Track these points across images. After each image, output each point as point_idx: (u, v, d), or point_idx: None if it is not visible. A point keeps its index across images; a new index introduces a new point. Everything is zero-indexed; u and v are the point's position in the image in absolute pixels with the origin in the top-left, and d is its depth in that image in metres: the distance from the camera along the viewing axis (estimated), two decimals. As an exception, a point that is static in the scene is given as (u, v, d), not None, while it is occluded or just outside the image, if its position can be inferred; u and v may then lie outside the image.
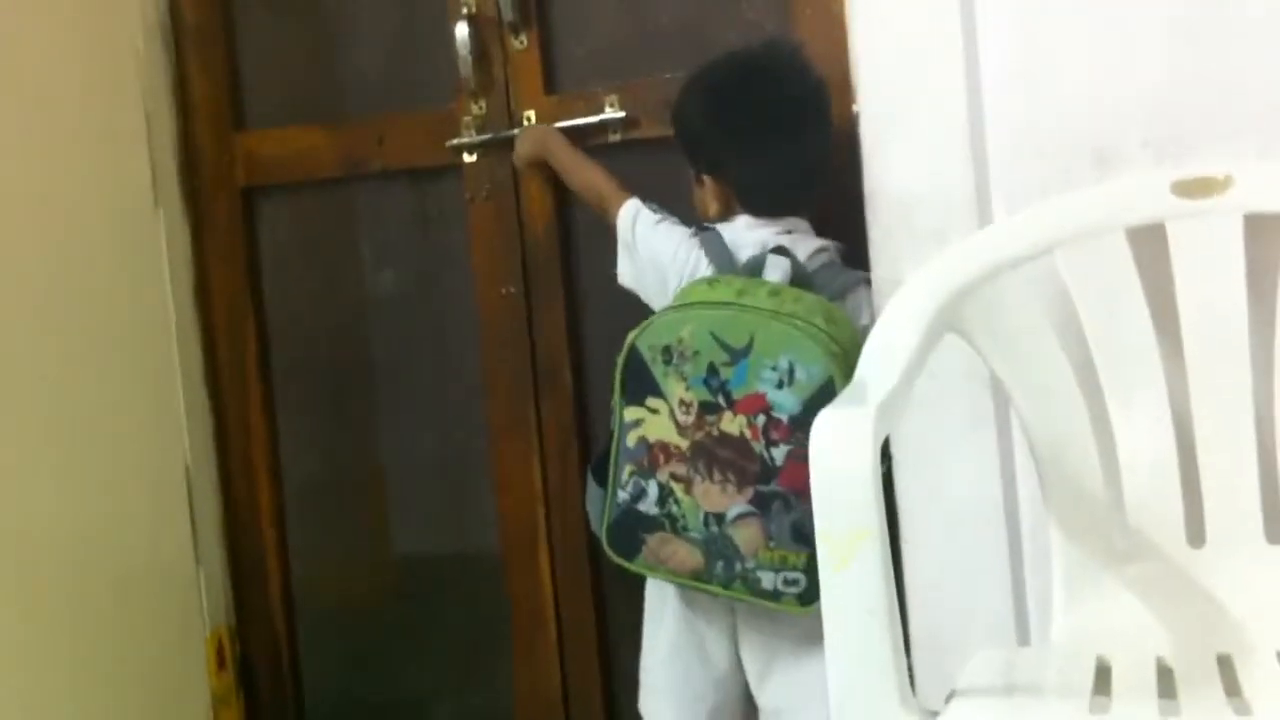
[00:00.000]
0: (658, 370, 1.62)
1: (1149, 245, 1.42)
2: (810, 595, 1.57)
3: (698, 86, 1.81)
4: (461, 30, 2.05)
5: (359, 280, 2.26)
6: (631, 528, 1.66)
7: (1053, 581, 1.42)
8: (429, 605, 2.27)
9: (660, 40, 2.04)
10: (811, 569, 1.55)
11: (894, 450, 1.57)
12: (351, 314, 2.28)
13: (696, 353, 1.60)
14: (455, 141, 2.09)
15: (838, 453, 1.17)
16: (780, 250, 1.70)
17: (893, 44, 1.64)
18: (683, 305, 1.65)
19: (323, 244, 2.27)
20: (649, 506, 1.64)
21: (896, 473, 1.58)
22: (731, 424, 1.59)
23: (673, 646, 1.77)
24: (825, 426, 1.19)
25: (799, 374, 1.56)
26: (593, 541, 2.07)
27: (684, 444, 1.61)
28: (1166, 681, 1.18)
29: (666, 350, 1.62)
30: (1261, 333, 1.37)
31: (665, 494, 1.63)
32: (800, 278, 1.68)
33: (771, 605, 1.62)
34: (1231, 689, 1.16)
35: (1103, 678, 1.20)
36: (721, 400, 1.59)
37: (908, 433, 1.59)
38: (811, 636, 1.63)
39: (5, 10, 1.91)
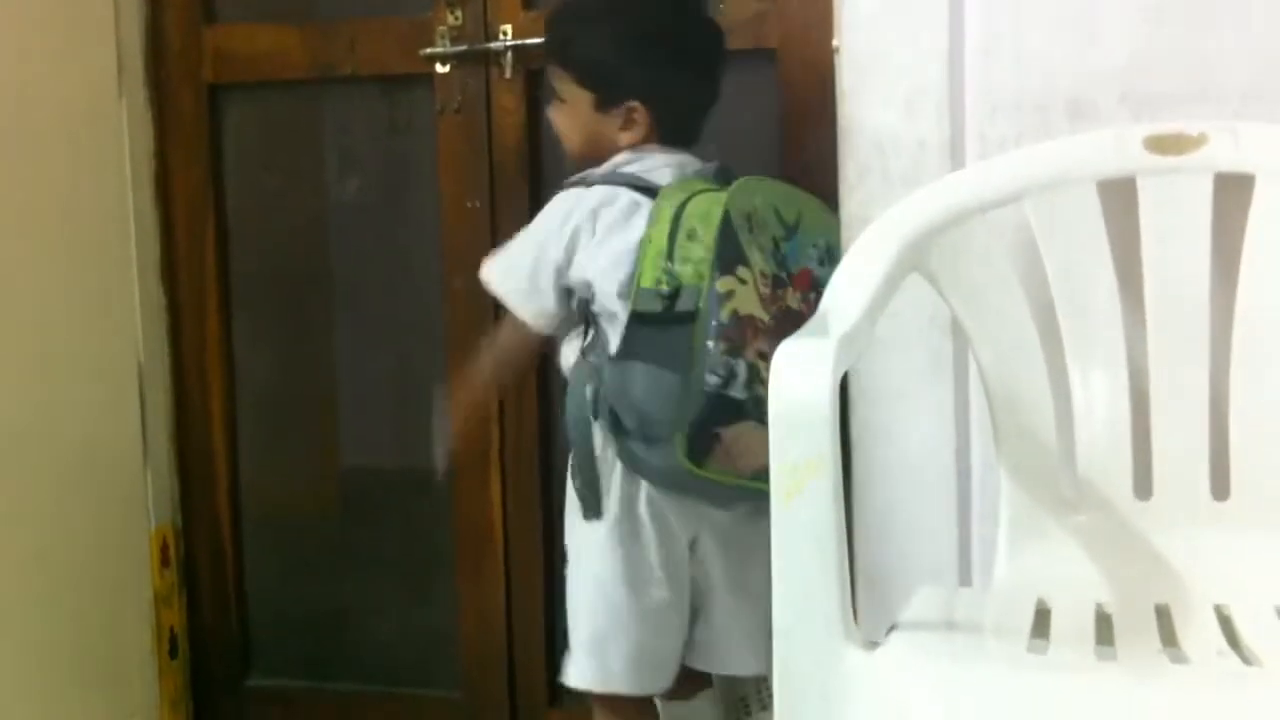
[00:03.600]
0: (744, 237, 1.54)
1: (1118, 199, 1.42)
2: None
3: (630, 9, 1.75)
4: (441, -63, 2.02)
5: (323, 185, 2.24)
6: (717, 419, 1.51)
7: (999, 525, 1.43)
8: (376, 517, 2.27)
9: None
10: None
11: (852, 387, 1.58)
12: (313, 219, 2.25)
13: (764, 224, 1.58)
14: (429, 51, 2.06)
15: (797, 381, 1.17)
16: (724, 172, 1.67)
17: (878, -20, 1.64)
18: (744, 180, 1.61)
19: (288, 146, 2.24)
20: (739, 390, 1.50)
21: (853, 409, 1.59)
22: (793, 299, 1.57)
23: (665, 602, 1.66)
24: (786, 355, 1.19)
25: (836, 254, 1.54)
26: (545, 462, 2.08)
27: (766, 317, 1.53)
28: (1104, 628, 1.20)
29: (748, 217, 1.56)
30: (1223, 293, 1.39)
31: (753, 375, 1.50)
32: None
33: None
34: (1168, 639, 1.18)
35: (1041, 621, 1.22)
36: (784, 274, 1.57)
37: (867, 371, 1.59)
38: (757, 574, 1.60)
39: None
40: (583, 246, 1.65)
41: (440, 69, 2.07)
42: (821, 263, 1.58)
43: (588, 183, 1.70)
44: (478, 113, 2.07)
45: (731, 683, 1.82)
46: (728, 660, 1.73)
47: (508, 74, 2.03)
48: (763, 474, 1.39)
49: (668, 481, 1.60)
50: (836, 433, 1.16)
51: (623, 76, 1.71)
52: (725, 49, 1.77)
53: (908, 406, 1.60)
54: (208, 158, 2.22)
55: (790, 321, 1.53)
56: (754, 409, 1.49)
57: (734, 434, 1.51)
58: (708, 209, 1.56)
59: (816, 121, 1.82)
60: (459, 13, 2.05)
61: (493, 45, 2.03)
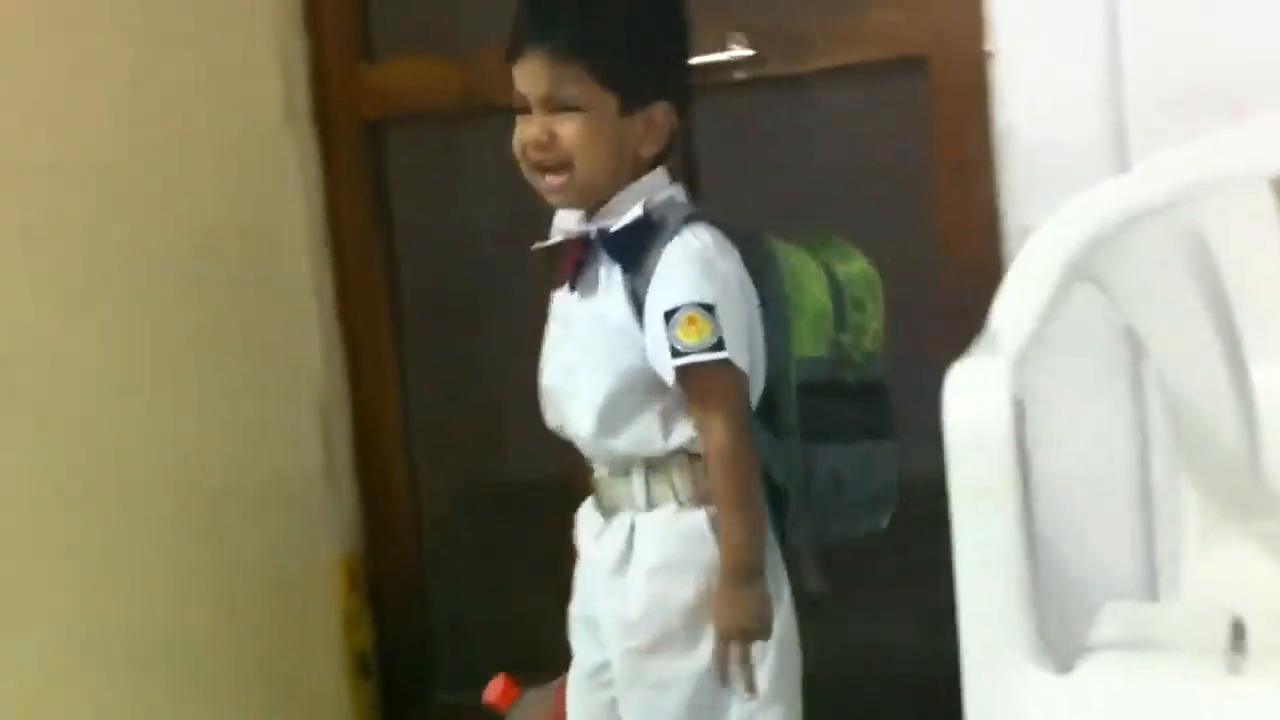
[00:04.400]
0: None
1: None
2: None
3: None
4: (588, -36, 2.04)
5: (483, 211, 2.28)
6: None
7: (1183, 534, 1.42)
8: (551, 528, 2.31)
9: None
10: None
11: (1024, 397, 1.57)
12: (475, 244, 2.31)
13: None
14: (581, 78, 2.09)
15: (972, 404, 1.18)
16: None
17: (1030, -16, 1.63)
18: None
19: (448, 175, 2.30)
20: None
21: (1027, 420, 1.58)
22: None
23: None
24: (959, 378, 1.20)
25: None
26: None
27: None
28: (1303, 642, 1.18)
29: None
30: None
31: None
32: None
33: None
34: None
35: (1237, 635, 1.20)
36: None
37: (1039, 378, 1.58)
38: None
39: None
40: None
41: (593, 95, 2.10)
42: None
43: (695, 219, 1.41)
44: (630, 136, 2.09)
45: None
46: None
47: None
48: None
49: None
50: (1016, 453, 1.16)
51: (650, 67, 1.43)
52: None
53: (1083, 413, 1.59)
54: (372, 189, 2.28)
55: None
56: None
57: None
58: (861, 274, 1.50)
59: (970, 128, 1.81)
60: (608, 38, 2.08)
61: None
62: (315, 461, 2.24)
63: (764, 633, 1.37)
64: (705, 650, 1.39)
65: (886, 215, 1.94)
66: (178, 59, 2.00)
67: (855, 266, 1.50)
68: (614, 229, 1.42)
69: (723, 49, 1.99)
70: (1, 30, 1.73)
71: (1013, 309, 1.35)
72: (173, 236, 1.97)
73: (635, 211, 1.41)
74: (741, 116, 1.96)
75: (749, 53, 1.98)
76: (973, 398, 1.18)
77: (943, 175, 1.88)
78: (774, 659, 1.41)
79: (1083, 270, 1.43)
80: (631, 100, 1.39)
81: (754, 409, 1.41)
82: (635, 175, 1.42)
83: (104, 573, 1.81)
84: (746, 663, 1.36)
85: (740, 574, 1.36)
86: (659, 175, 1.44)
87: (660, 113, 1.42)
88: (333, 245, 2.30)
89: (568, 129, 1.40)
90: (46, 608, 1.72)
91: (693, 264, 1.37)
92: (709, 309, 1.35)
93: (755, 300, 1.41)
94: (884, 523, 1.49)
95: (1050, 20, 1.65)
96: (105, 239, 1.85)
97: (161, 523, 1.90)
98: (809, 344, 1.44)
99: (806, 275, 1.46)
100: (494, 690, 1.64)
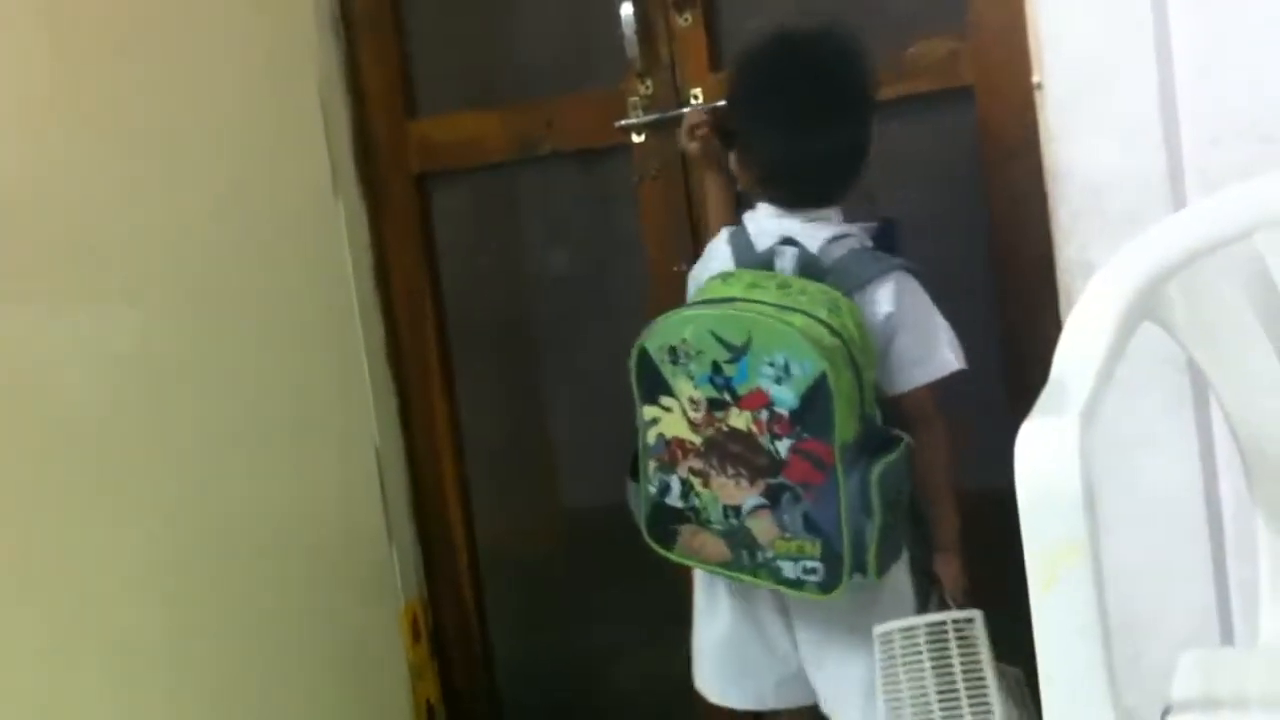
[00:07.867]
0: (666, 370, 1.63)
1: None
2: (830, 583, 1.59)
3: (742, 58, 1.78)
4: (627, 9, 2.04)
5: (533, 259, 2.30)
6: (664, 520, 1.69)
7: (1260, 575, 1.39)
8: (611, 567, 2.32)
9: (821, 18, 2.00)
10: (828, 558, 1.58)
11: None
12: (526, 292, 2.32)
13: (700, 352, 1.60)
14: (623, 122, 2.10)
15: (1042, 466, 1.16)
16: (789, 241, 1.68)
17: (1079, 18, 1.61)
18: (688, 306, 1.67)
19: (497, 225, 2.31)
20: (674, 500, 1.67)
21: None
22: (739, 419, 1.60)
23: (729, 629, 1.79)
24: (1028, 439, 1.18)
25: (794, 369, 1.54)
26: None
27: (698, 440, 1.63)
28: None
29: (673, 351, 1.62)
30: None
31: (687, 488, 1.66)
32: (810, 268, 1.65)
33: (796, 593, 1.64)
34: None
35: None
36: (727, 397, 1.60)
37: (1101, 418, 1.56)
38: (860, 627, 1.68)
39: (180, 9, 1.94)
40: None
41: (636, 138, 2.11)
42: (778, 381, 1.56)
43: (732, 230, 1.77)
44: (675, 177, 2.10)
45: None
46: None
47: (701, 136, 2.04)
48: (729, 564, 1.67)
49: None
50: (1092, 514, 1.14)
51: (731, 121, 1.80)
52: (848, 118, 1.68)
53: (1148, 452, 1.57)
54: (421, 243, 2.30)
55: (736, 441, 1.60)
56: (693, 516, 1.67)
57: (688, 531, 1.68)
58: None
59: (1020, 159, 1.80)
60: (649, 81, 2.08)
61: (685, 110, 2.05)
62: (374, 513, 2.25)
63: None
64: None
65: (942, 249, 1.93)
66: (230, 129, 2.02)
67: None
68: None
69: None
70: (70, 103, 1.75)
71: (1078, 355, 1.32)
72: (227, 297, 1.98)
73: None
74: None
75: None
76: (1042, 461, 1.16)
77: (996, 206, 1.87)
78: None
79: (1146, 310, 1.41)
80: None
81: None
82: None
83: (169, 627, 1.81)
84: None
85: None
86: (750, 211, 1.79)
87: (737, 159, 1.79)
88: (383, 300, 2.32)
89: None
90: (116, 659, 1.72)
91: None
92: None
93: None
94: None
95: (1101, 57, 1.62)
96: (159, 302, 1.86)
97: (223, 581, 1.91)
98: None
99: None
100: None
